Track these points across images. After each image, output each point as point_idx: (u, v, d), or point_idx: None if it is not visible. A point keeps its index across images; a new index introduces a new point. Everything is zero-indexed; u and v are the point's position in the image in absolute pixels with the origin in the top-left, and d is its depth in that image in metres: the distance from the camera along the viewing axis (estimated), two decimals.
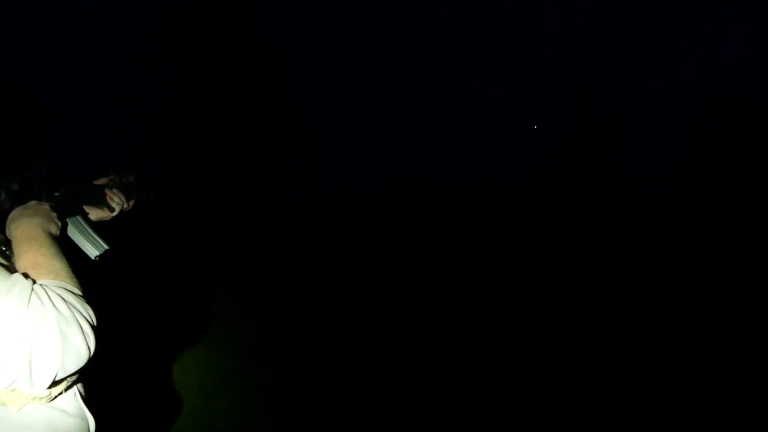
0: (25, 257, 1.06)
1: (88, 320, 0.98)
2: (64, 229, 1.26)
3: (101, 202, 1.43)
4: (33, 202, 1.22)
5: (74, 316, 0.95)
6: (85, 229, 1.33)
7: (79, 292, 1.03)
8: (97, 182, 1.47)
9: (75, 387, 1.09)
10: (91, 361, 0.98)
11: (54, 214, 1.21)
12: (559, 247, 14.56)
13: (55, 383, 0.95)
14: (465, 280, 9.30)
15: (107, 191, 1.45)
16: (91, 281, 1.14)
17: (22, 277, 0.96)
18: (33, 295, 0.93)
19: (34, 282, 0.98)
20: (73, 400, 1.08)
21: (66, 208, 1.31)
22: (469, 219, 23.25)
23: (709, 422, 3.78)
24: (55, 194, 1.31)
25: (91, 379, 1.13)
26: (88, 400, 1.13)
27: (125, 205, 1.47)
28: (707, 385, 4.32)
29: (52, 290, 0.97)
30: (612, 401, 4.05)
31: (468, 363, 4.86)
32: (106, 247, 1.32)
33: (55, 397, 1.03)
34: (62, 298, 0.96)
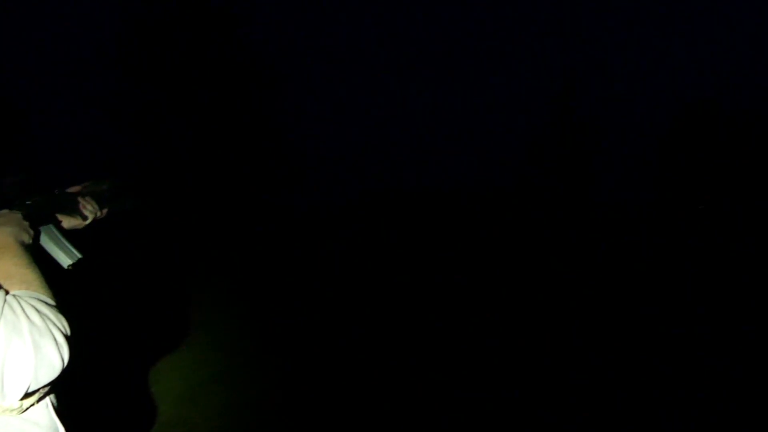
0: None
1: (61, 331, 0.97)
2: (36, 237, 1.25)
3: (74, 210, 1.41)
4: (5, 211, 1.20)
5: (48, 327, 0.94)
6: (58, 237, 1.31)
7: (52, 302, 1.02)
8: (70, 190, 1.45)
9: (47, 398, 1.08)
10: (65, 373, 0.97)
11: (26, 223, 1.20)
12: (538, 250, 14.72)
13: (27, 395, 0.94)
14: (446, 283, 9.34)
15: (80, 199, 1.43)
16: (65, 291, 1.13)
17: None
18: (5, 306, 0.92)
19: (7, 292, 0.97)
20: (45, 411, 1.07)
21: (38, 217, 1.29)
22: (450, 223, 23.36)
23: (694, 421, 3.85)
24: (27, 202, 1.29)
25: (64, 390, 1.12)
26: (60, 411, 1.11)
27: (99, 213, 1.45)
28: (686, 384, 4.40)
29: (26, 301, 0.96)
30: (597, 401, 4.11)
31: (452, 364, 4.88)
32: (80, 255, 1.30)
33: (27, 408, 1.02)
34: (35, 309, 0.95)
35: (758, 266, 10.95)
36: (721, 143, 28.80)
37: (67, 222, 1.39)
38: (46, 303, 1.00)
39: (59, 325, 0.98)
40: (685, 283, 9.23)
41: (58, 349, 0.94)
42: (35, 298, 0.99)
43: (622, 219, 23.82)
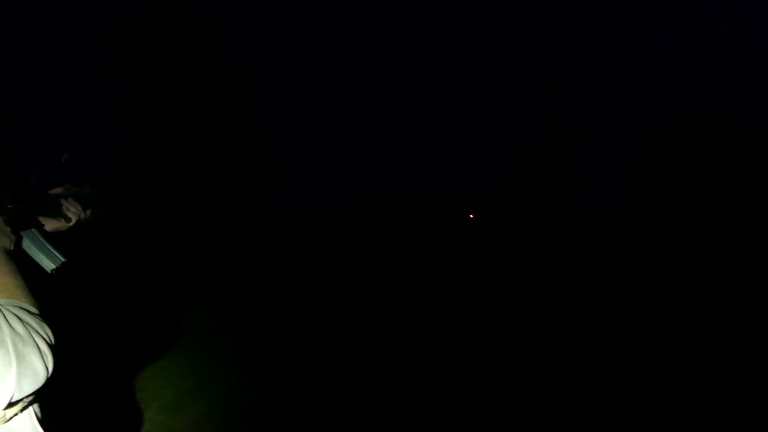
0: None
1: (45, 340, 0.94)
2: (18, 242, 1.21)
3: (57, 213, 1.38)
4: None
5: (31, 335, 0.91)
6: (41, 241, 1.27)
7: (35, 310, 0.99)
8: (52, 192, 1.41)
9: (31, 408, 1.04)
10: (49, 382, 0.94)
11: (7, 228, 1.16)
12: (522, 253, 14.79)
13: (10, 404, 0.91)
14: (431, 286, 9.35)
15: (63, 202, 1.39)
16: (48, 296, 1.10)
17: None
18: None
19: None
20: (28, 421, 1.03)
21: (20, 221, 1.26)
22: (436, 226, 23.42)
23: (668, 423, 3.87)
24: (9, 206, 1.25)
25: (48, 399, 1.08)
26: (44, 421, 1.07)
27: (82, 216, 1.42)
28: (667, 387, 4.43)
29: (8, 309, 0.93)
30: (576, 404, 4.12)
31: (439, 366, 4.87)
32: (63, 259, 1.27)
33: (10, 418, 0.98)
34: (18, 318, 0.92)
35: (741, 269, 11.11)
36: (704, 147, 29.21)
37: (50, 225, 1.35)
38: (30, 311, 0.97)
39: (43, 333, 0.94)
40: (668, 286, 9.33)
41: (42, 358, 0.91)
42: (18, 306, 0.96)
43: (605, 223, 24.06)
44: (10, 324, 0.90)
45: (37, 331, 0.93)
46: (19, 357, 0.88)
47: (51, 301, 1.09)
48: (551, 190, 32.96)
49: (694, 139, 29.31)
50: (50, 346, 0.94)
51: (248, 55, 22.12)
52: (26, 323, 0.93)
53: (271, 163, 22.51)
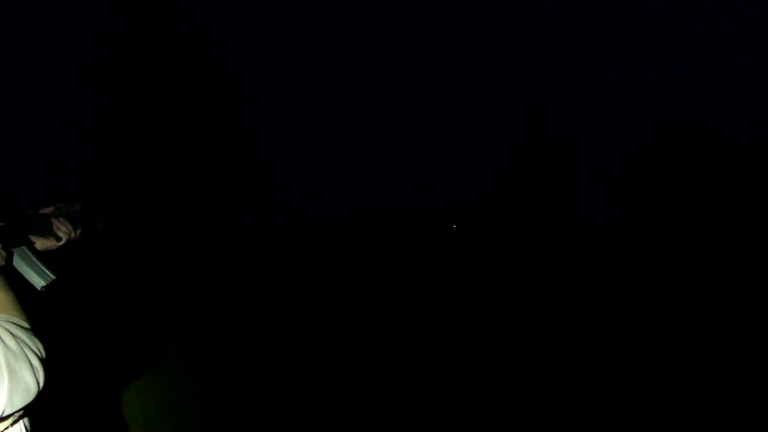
0: None
1: (37, 355, 0.96)
2: (9, 259, 1.24)
3: (47, 231, 1.40)
4: None
5: (23, 350, 0.94)
6: (31, 259, 1.30)
7: (27, 325, 1.01)
8: (42, 211, 1.44)
9: (21, 422, 1.06)
10: (40, 396, 0.96)
11: None
12: (510, 270, 14.85)
13: (1, 419, 0.93)
14: (421, 301, 9.37)
15: (53, 220, 1.42)
16: (38, 313, 1.13)
17: None
18: None
19: None
20: None
21: (11, 238, 1.28)
22: (423, 242, 23.43)
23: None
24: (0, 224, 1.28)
25: (38, 413, 1.11)
26: None
27: (72, 234, 1.44)
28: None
29: (1, 325, 0.95)
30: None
31: (428, 382, 4.89)
32: (53, 277, 1.29)
33: (2, 431, 1.01)
34: (10, 333, 0.95)
35: (732, 285, 11.23)
36: (693, 162, 29.52)
37: (41, 243, 1.37)
38: (21, 326, 0.99)
39: (34, 348, 0.97)
40: (656, 303, 9.41)
41: (34, 373, 0.94)
42: (10, 321, 0.99)
43: (593, 239, 24.19)
44: (2, 339, 0.92)
45: (29, 346, 0.96)
46: (11, 372, 0.90)
47: (40, 317, 1.12)
48: (538, 205, 33.10)
49: (682, 153, 29.64)
50: (41, 360, 0.97)
51: (235, 69, 22.11)
52: (18, 338, 0.95)
53: (256, 177, 22.46)
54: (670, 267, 14.42)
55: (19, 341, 0.95)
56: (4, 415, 0.92)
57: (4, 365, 0.90)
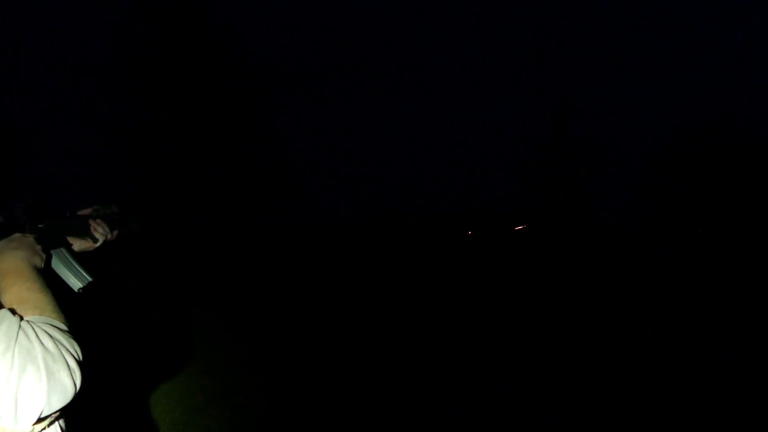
0: (11, 292, 1.05)
1: (74, 356, 0.97)
2: (48, 261, 1.25)
3: (85, 233, 1.42)
4: (17, 235, 1.21)
5: (61, 352, 0.95)
6: (69, 260, 1.31)
7: (65, 327, 1.02)
8: (80, 213, 1.46)
9: (57, 423, 1.08)
10: (77, 397, 0.97)
11: (38, 247, 1.21)
12: (534, 272, 14.71)
13: (39, 419, 0.94)
14: (444, 302, 9.32)
15: (91, 222, 1.44)
16: (75, 314, 1.14)
17: (9, 314, 0.95)
18: (20, 331, 0.92)
19: (21, 318, 0.97)
20: None
21: (50, 240, 1.30)
22: (448, 243, 23.34)
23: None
24: (39, 226, 1.30)
25: (74, 414, 1.12)
26: None
27: (109, 236, 1.46)
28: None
29: (39, 327, 0.96)
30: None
31: (446, 386, 4.86)
32: (90, 279, 1.31)
33: None
34: (49, 335, 0.96)
35: (755, 290, 10.96)
36: (720, 166, 28.97)
37: (78, 245, 1.39)
38: (59, 328, 1.01)
39: (72, 350, 0.98)
40: (682, 307, 9.22)
41: (71, 374, 0.95)
42: (48, 323, 1.00)
43: (618, 241, 23.83)
44: (41, 341, 0.94)
45: (67, 348, 0.97)
46: (49, 374, 0.91)
47: (77, 319, 1.13)
48: (563, 207, 32.80)
49: (708, 157, 29.11)
50: (78, 362, 0.98)
51: (261, 70, 22.31)
52: (56, 340, 0.96)
53: (282, 179, 22.62)
54: (697, 270, 14.13)
55: (57, 343, 0.96)
56: (42, 415, 0.93)
57: (42, 367, 0.91)
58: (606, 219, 32.08)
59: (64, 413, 1.07)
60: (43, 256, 1.21)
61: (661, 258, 18.10)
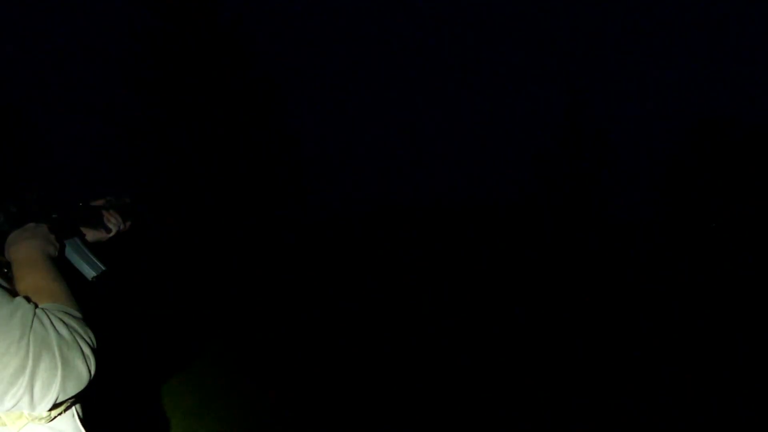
0: (26, 281, 1.07)
1: (89, 343, 0.99)
2: (61, 250, 1.27)
3: (98, 224, 1.44)
4: (31, 225, 1.23)
5: (75, 339, 0.96)
6: (83, 250, 1.33)
7: (79, 315, 1.04)
8: (93, 204, 1.47)
9: (73, 408, 1.09)
10: (91, 384, 0.99)
11: (52, 236, 1.22)
12: (546, 265, 14.66)
13: (55, 405, 0.96)
14: (454, 298, 9.32)
15: (104, 212, 1.46)
16: (88, 302, 1.15)
17: (24, 301, 0.97)
18: (35, 319, 0.94)
19: (36, 306, 0.98)
20: (71, 421, 1.09)
21: (64, 230, 1.32)
22: (458, 238, 23.32)
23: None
24: (53, 216, 1.31)
25: (88, 400, 1.14)
26: (84, 420, 1.13)
27: (122, 226, 1.48)
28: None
29: (54, 314, 0.98)
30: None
31: (454, 385, 4.87)
32: (104, 268, 1.32)
33: (54, 418, 1.04)
34: (63, 322, 0.97)
35: None
36: (734, 159, 28.63)
37: (92, 235, 1.41)
38: (74, 316, 1.02)
39: (86, 337, 0.99)
40: (695, 302, 9.17)
41: (86, 361, 0.96)
42: (63, 311, 1.01)
43: (632, 236, 23.70)
44: (56, 328, 0.95)
45: (81, 335, 0.98)
46: (65, 360, 0.93)
47: (90, 307, 1.14)
48: (575, 201, 32.61)
49: (723, 151, 28.77)
50: (93, 349, 0.99)
51: (272, 63, 22.35)
52: (71, 327, 0.98)
53: (293, 173, 22.67)
54: (710, 267, 14.01)
55: (72, 330, 0.97)
56: (58, 401, 0.94)
57: (57, 354, 0.92)
58: (619, 212, 31.86)
59: (79, 399, 1.08)
60: (57, 245, 1.22)
61: (676, 253, 17.97)
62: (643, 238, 23.13)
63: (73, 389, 0.95)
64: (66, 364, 0.93)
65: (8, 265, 1.12)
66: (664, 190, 31.49)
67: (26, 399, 0.90)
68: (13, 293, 1.00)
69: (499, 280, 11.80)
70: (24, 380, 0.89)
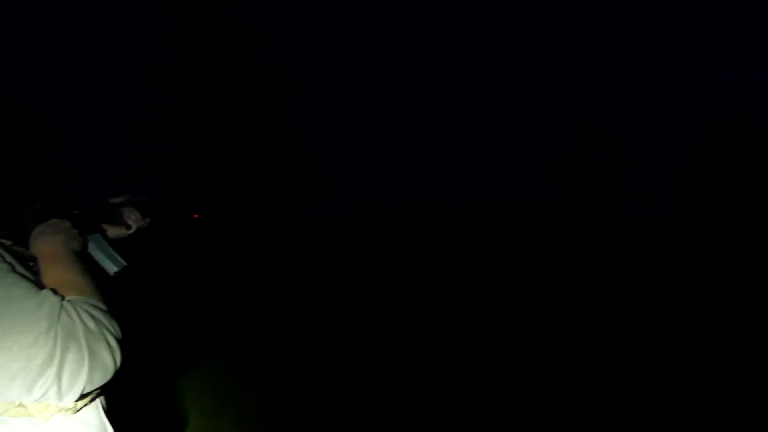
0: (51, 274, 1.09)
1: (114, 335, 1.01)
2: (84, 246, 1.30)
3: (118, 220, 1.47)
4: (54, 220, 1.25)
5: (101, 331, 0.98)
6: (104, 245, 1.36)
7: (104, 307, 1.06)
8: (113, 201, 1.50)
9: (98, 400, 1.12)
10: (116, 375, 1.01)
11: (75, 231, 1.25)
12: (560, 263, 14.59)
13: (81, 396, 0.98)
14: (466, 297, 9.31)
15: (124, 209, 1.48)
16: (112, 297, 1.17)
17: (51, 294, 0.99)
18: (62, 311, 0.96)
19: (63, 298, 1.01)
20: (95, 412, 1.11)
21: (85, 226, 1.35)
22: (472, 236, 23.26)
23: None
24: (74, 212, 1.34)
25: (112, 393, 1.16)
26: (108, 412, 1.15)
27: (141, 223, 1.51)
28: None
29: (80, 306, 1.00)
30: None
31: (471, 385, 4.87)
32: (125, 263, 1.35)
33: (80, 408, 1.06)
34: (89, 314, 0.99)
35: None
36: (751, 157, 28.25)
37: (112, 231, 1.44)
38: (99, 308, 1.04)
39: (112, 329, 1.02)
40: (713, 303, 9.08)
41: (111, 352, 0.98)
42: (88, 303, 1.03)
43: (647, 234, 23.51)
44: (82, 320, 0.97)
45: (107, 327, 1.01)
46: (91, 352, 0.95)
47: (114, 301, 1.17)
48: (589, 199, 32.41)
49: (739, 149, 28.40)
50: (118, 341, 1.01)
51: (286, 61, 22.44)
52: (97, 319, 1.00)
53: (308, 170, 22.78)
54: (727, 266, 13.85)
55: (98, 322, 1.00)
56: (84, 392, 0.97)
57: (84, 345, 0.95)
58: (634, 210, 31.58)
59: (104, 391, 1.11)
60: (80, 240, 1.25)
61: (694, 251, 17.80)
62: (658, 237, 22.93)
63: (100, 380, 0.97)
64: (92, 355, 0.95)
65: (34, 259, 1.15)
66: (680, 188, 31.17)
67: (54, 389, 0.92)
68: (39, 286, 1.02)
69: (513, 279, 11.77)
70: (52, 371, 0.91)
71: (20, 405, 1.00)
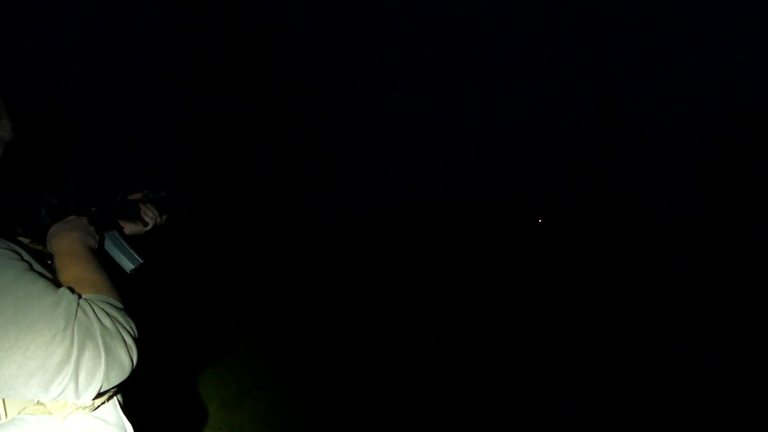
0: (68, 272, 1.09)
1: (130, 333, 1.00)
2: (100, 243, 1.29)
3: (136, 217, 1.46)
4: (71, 217, 1.25)
5: (118, 329, 0.98)
6: (121, 242, 1.35)
7: (121, 305, 1.05)
8: (130, 197, 1.50)
9: (115, 397, 1.11)
10: (134, 373, 1.00)
11: (92, 228, 1.24)
12: (580, 260, 14.47)
13: (99, 394, 0.97)
14: (484, 290, 9.28)
15: (141, 206, 1.48)
16: (128, 294, 1.17)
17: (68, 292, 0.98)
18: (79, 309, 0.95)
19: (79, 296, 1.00)
20: (113, 409, 1.11)
21: (102, 223, 1.34)
22: (492, 231, 23.15)
23: None
24: (92, 209, 1.34)
25: (130, 390, 1.16)
26: (126, 409, 1.15)
27: (158, 220, 1.50)
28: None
29: (97, 304, 0.99)
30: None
31: (485, 380, 4.85)
32: (141, 261, 1.34)
33: (98, 406, 1.06)
34: (106, 312, 0.99)
35: None
36: None
37: (129, 228, 1.44)
38: (116, 306, 1.03)
39: (128, 327, 1.01)
40: (733, 300, 8.94)
41: (128, 350, 0.98)
42: (105, 301, 1.03)
43: (667, 230, 23.19)
44: (99, 319, 0.97)
45: (123, 325, 1.00)
46: (108, 350, 0.94)
47: (129, 299, 1.16)
48: (611, 195, 32.08)
49: (760, 144, 27.84)
50: (135, 339, 1.01)
51: (306, 60, 22.46)
52: (113, 317, 0.99)
53: (328, 166, 22.80)
54: (748, 263, 13.63)
55: (114, 320, 0.99)
56: (102, 391, 0.96)
57: (101, 343, 0.94)
58: (655, 206, 31.19)
59: (122, 388, 1.10)
60: (97, 237, 1.25)
61: (715, 250, 17.54)
62: (680, 232, 22.62)
63: (117, 378, 0.96)
64: (109, 353, 0.94)
65: (51, 256, 1.14)
66: (700, 184, 30.68)
67: (71, 387, 0.91)
68: (56, 284, 1.02)
69: (531, 273, 11.69)
70: (69, 369, 0.90)
71: (38, 403, 1.00)
